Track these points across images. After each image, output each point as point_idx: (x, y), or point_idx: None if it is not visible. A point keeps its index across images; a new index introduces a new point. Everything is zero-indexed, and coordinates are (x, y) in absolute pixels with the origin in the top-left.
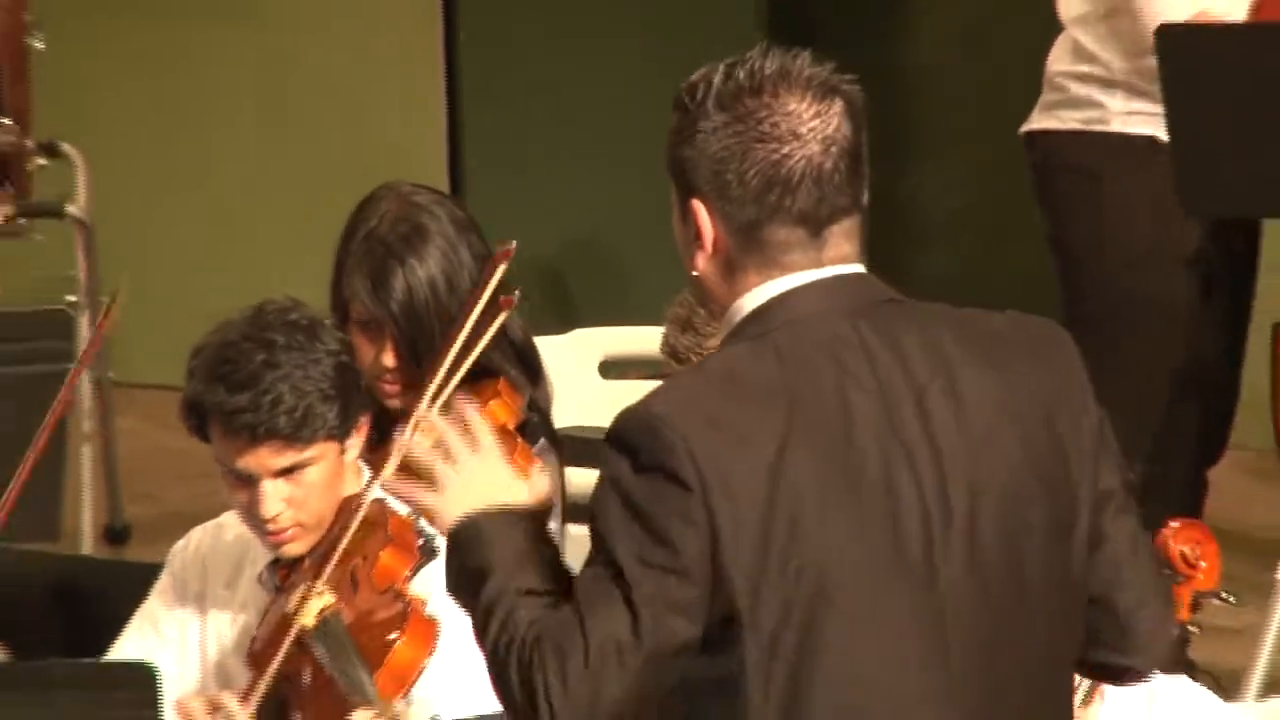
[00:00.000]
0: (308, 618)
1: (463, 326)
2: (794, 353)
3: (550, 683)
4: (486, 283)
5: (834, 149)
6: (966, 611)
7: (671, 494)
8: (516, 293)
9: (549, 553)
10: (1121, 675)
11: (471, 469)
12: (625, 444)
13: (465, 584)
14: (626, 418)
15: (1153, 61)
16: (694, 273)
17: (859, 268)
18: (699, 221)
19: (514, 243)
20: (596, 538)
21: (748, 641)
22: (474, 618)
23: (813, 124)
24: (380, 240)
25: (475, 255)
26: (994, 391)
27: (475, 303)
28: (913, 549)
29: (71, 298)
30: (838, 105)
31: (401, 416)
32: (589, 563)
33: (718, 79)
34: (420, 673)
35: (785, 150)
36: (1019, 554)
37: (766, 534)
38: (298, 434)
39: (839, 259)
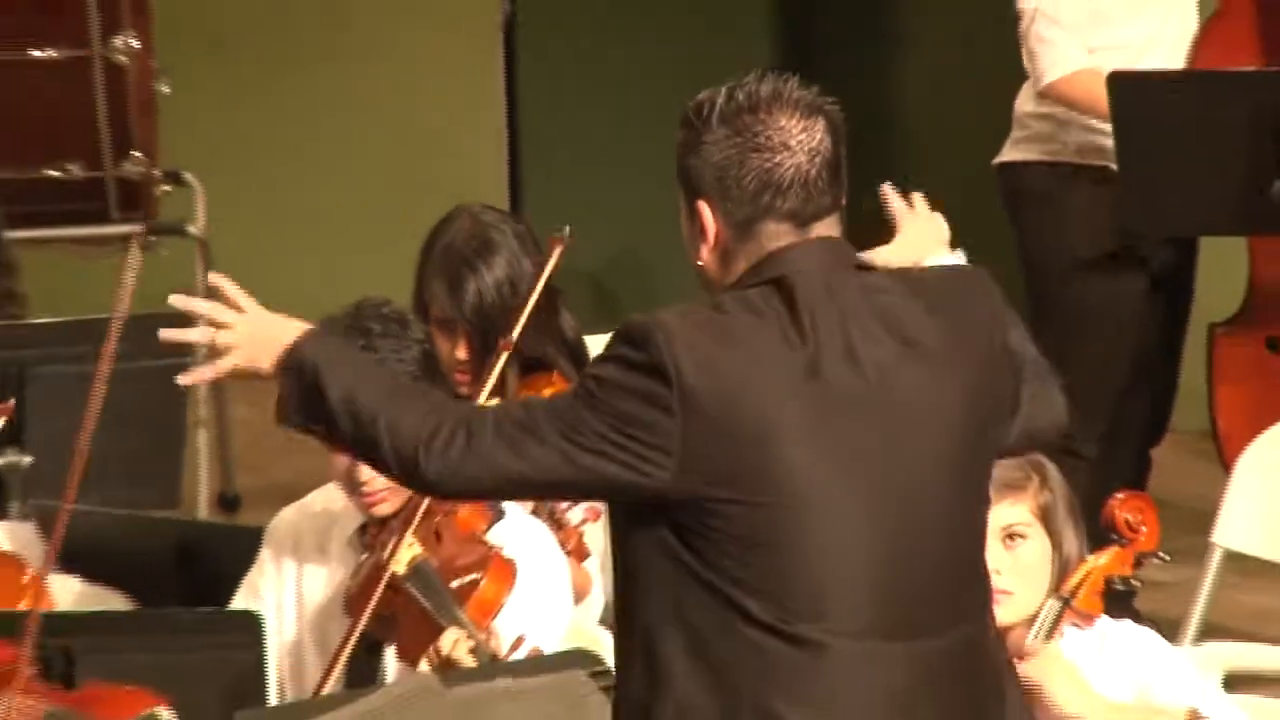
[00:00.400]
0: (400, 565)
1: (529, 299)
2: (773, 301)
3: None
4: (545, 264)
5: (818, 159)
6: (908, 515)
7: (652, 387)
8: (567, 229)
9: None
10: (1055, 445)
11: (249, 319)
12: (625, 337)
13: (311, 401)
14: (631, 320)
15: (1047, 105)
16: (698, 262)
17: (837, 238)
18: (703, 219)
19: (568, 228)
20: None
21: (726, 534)
22: (339, 423)
23: (800, 137)
24: (456, 252)
25: (535, 264)
26: (944, 344)
27: (538, 279)
28: (864, 468)
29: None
30: (821, 122)
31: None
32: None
33: (720, 99)
34: (501, 607)
35: (777, 159)
36: (948, 476)
37: (735, 450)
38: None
39: (829, 229)
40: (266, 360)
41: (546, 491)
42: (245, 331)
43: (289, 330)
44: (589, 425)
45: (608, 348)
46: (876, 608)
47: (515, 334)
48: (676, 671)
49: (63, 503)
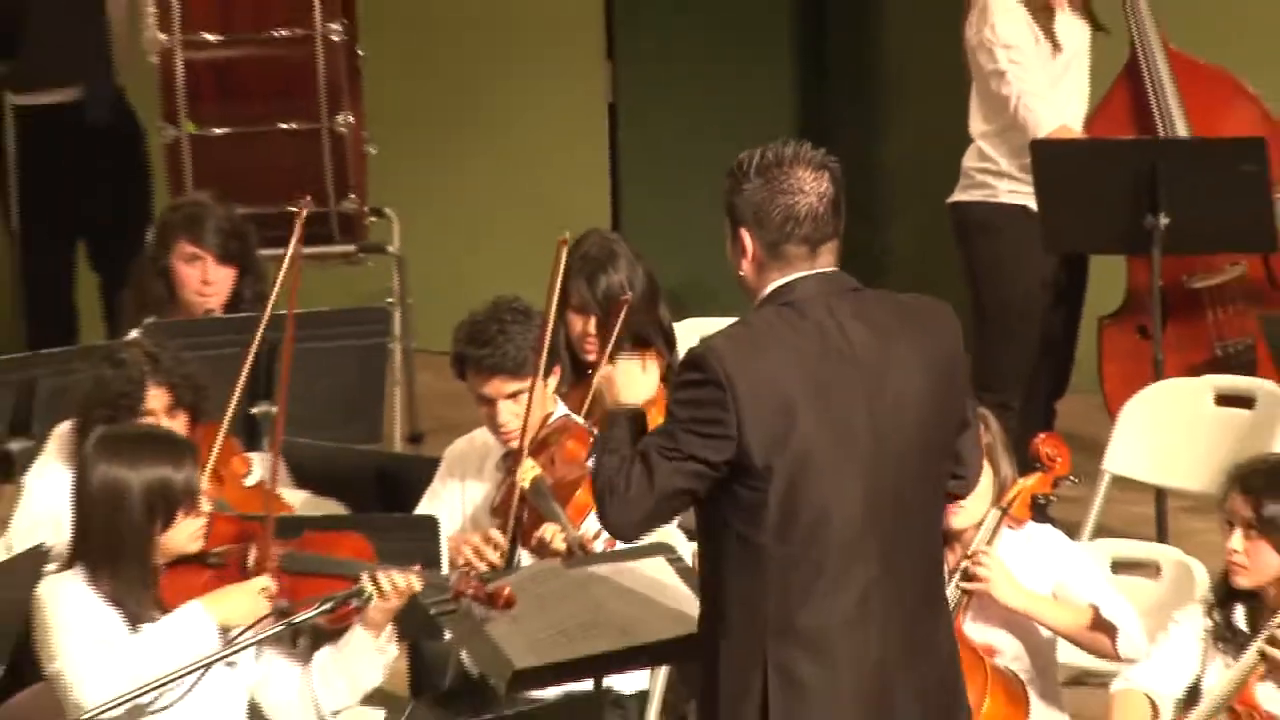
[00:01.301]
0: (525, 482)
1: (552, 299)
2: (790, 318)
3: (617, 489)
4: (558, 264)
5: (825, 200)
6: (886, 464)
7: (710, 392)
8: (567, 233)
9: (637, 428)
10: (961, 489)
11: (620, 376)
12: (689, 364)
13: (607, 438)
14: (691, 351)
15: (1027, 160)
16: (740, 273)
17: (835, 269)
18: (744, 242)
19: (567, 233)
20: (668, 410)
21: (766, 482)
22: (604, 451)
23: (811, 184)
24: (591, 258)
25: (645, 271)
26: (924, 360)
27: (556, 279)
28: (856, 431)
29: (390, 300)
30: (826, 175)
31: (593, 367)
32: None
33: (755, 157)
34: (591, 511)
35: (796, 200)
36: (915, 432)
37: (781, 428)
38: (518, 371)
39: (825, 265)
40: (617, 398)
41: (680, 500)
42: (620, 381)
43: (631, 386)
44: (680, 442)
45: (677, 375)
46: (856, 539)
47: (628, 302)
48: (715, 590)
49: (296, 438)
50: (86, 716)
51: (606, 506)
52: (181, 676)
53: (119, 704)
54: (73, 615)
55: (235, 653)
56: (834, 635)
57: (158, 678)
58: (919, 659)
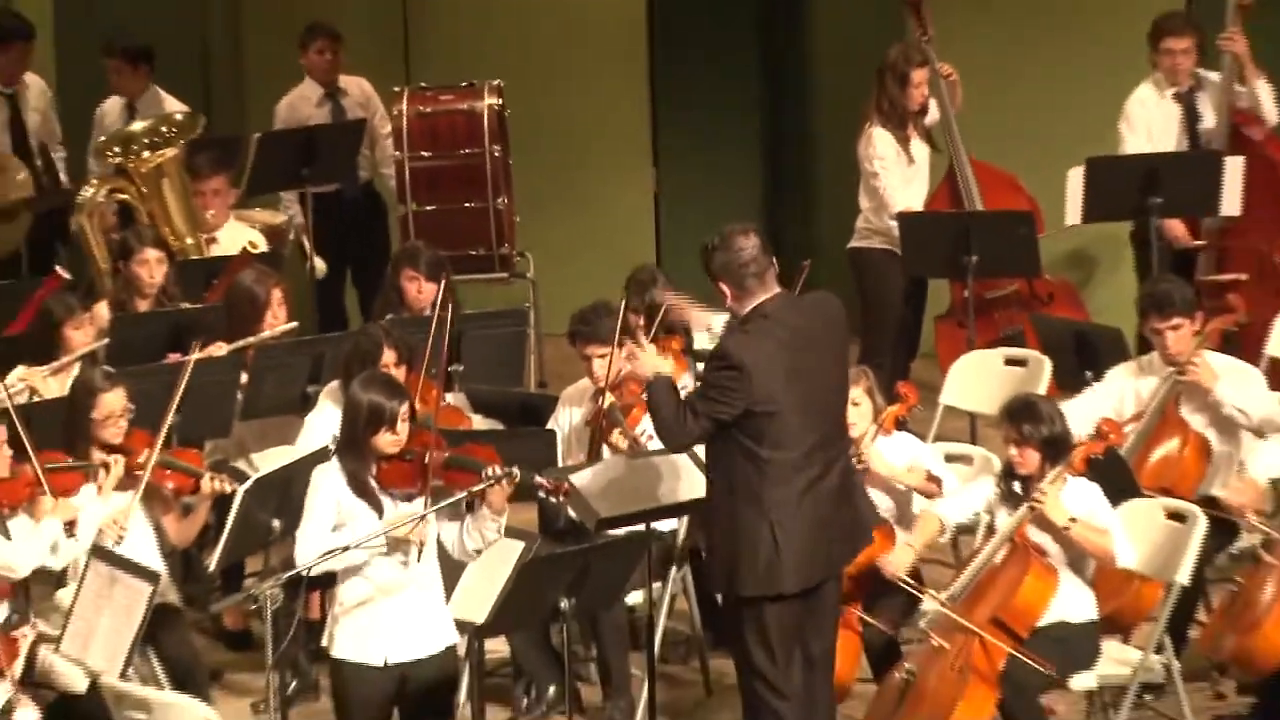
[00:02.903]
0: (605, 404)
1: (623, 306)
2: (770, 324)
3: (676, 423)
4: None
5: (756, 248)
6: (821, 403)
7: (733, 373)
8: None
9: (671, 384)
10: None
11: (648, 358)
12: (717, 354)
13: (655, 390)
14: (719, 344)
15: (890, 224)
16: (728, 306)
17: (779, 289)
18: (722, 289)
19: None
20: (702, 378)
21: (764, 421)
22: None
23: (745, 242)
24: (639, 281)
25: (673, 289)
26: (832, 330)
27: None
28: (808, 389)
29: (527, 304)
30: (752, 233)
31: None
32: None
33: (719, 239)
34: (641, 420)
35: (741, 254)
36: (837, 384)
37: (771, 389)
38: (604, 342)
39: (772, 287)
40: (647, 372)
41: (707, 431)
42: (648, 361)
43: (659, 365)
44: (714, 401)
45: (709, 362)
46: (818, 447)
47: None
48: (732, 485)
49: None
50: (306, 564)
51: (667, 435)
52: (386, 533)
53: (329, 556)
54: (316, 496)
55: (426, 515)
56: (800, 497)
57: (373, 533)
58: (841, 507)
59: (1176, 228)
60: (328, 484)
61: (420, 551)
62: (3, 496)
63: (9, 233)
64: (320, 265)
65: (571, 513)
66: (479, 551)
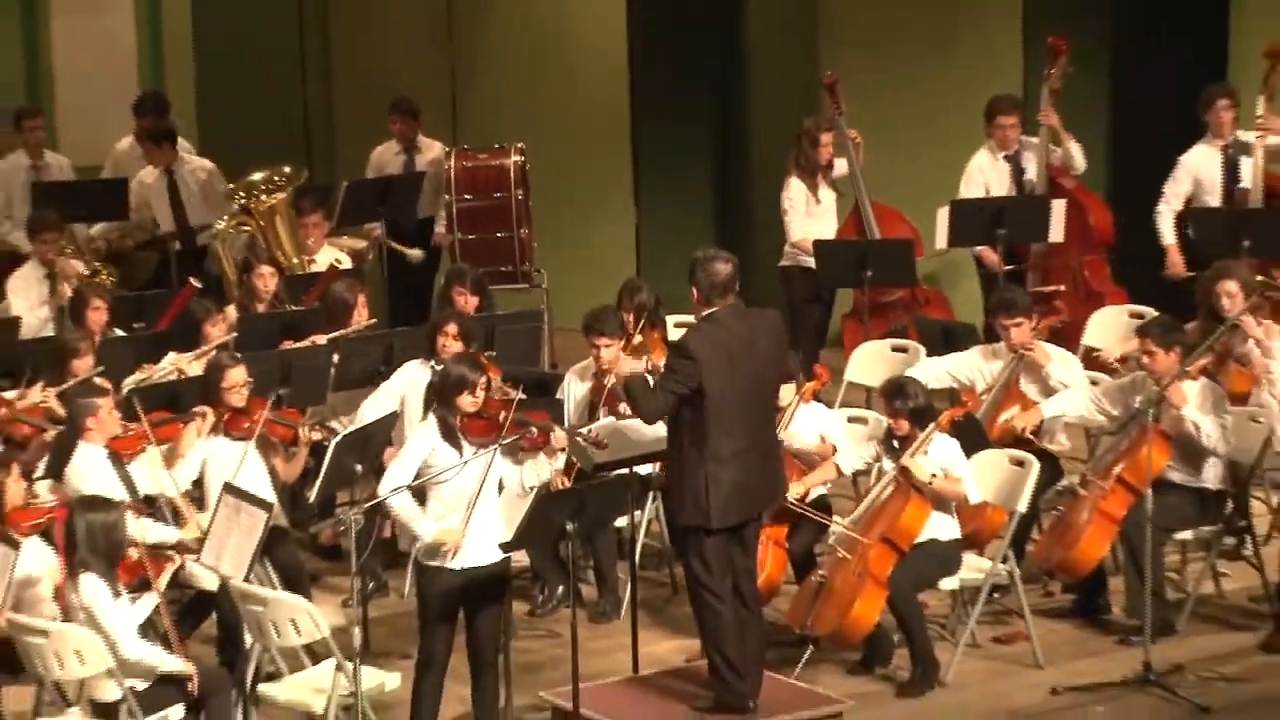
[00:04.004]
0: (607, 381)
1: (621, 308)
2: (718, 327)
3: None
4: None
5: (728, 274)
6: (757, 393)
7: (688, 361)
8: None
9: (643, 377)
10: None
11: (625, 364)
12: (677, 348)
13: (632, 381)
14: (680, 340)
15: (808, 248)
16: (696, 306)
17: (735, 303)
18: (695, 295)
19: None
20: (667, 365)
21: (707, 399)
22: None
23: (721, 267)
24: (631, 288)
25: (654, 295)
26: (770, 339)
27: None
28: (744, 380)
29: (543, 306)
30: (730, 262)
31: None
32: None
33: (702, 257)
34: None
35: (717, 276)
36: (768, 380)
37: (714, 375)
38: (611, 335)
39: (730, 300)
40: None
41: (671, 404)
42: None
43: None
44: (673, 381)
45: (670, 354)
46: (746, 425)
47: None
48: (682, 444)
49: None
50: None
51: (641, 408)
52: (466, 463)
53: (398, 491)
54: (410, 449)
55: (496, 448)
56: (731, 459)
57: (449, 466)
58: (761, 470)
59: (989, 255)
60: (422, 440)
61: (454, 553)
62: (121, 446)
63: (149, 260)
64: (417, 253)
65: (580, 460)
66: (533, 488)
